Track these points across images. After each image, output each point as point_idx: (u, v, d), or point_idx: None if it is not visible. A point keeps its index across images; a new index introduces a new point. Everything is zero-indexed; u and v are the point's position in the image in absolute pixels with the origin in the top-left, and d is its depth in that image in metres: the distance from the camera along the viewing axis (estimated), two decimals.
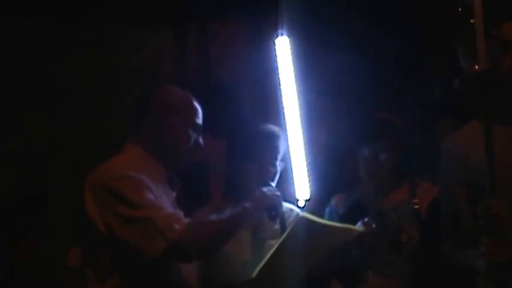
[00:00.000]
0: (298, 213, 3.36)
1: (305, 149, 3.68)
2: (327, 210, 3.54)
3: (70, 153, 4.37)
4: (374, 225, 3.10)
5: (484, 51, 2.74)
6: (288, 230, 2.96)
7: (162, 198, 2.78)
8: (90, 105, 4.46)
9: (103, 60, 4.49)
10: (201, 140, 2.94)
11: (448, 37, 3.46)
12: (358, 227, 3.11)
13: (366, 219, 3.13)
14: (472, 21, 2.75)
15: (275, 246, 2.94)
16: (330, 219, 3.40)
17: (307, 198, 3.65)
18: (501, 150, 2.84)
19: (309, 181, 3.67)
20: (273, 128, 3.36)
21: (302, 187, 3.65)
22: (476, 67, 2.78)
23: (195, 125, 2.93)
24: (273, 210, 3.02)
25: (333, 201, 3.55)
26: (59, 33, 4.46)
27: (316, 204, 3.66)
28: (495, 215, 2.77)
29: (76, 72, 4.47)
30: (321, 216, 3.37)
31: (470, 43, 2.79)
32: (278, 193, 3.05)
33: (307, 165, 3.67)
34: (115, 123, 3.63)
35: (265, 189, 3.01)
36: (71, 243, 3.17)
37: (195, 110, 2.94)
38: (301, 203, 3.61)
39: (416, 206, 3.29)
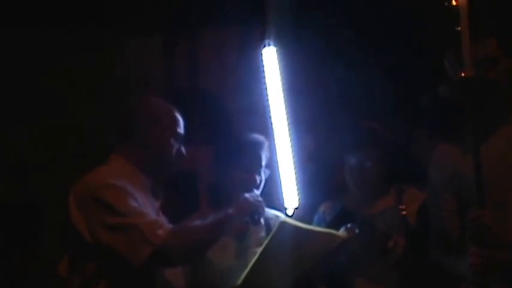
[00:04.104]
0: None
1: (293, 158, 3.68)
2: (315, 217, 3.58)
3: (62, 162, 4.37)
4: (357, 231, 3.13)
5: (470, 58, 2.76)
6: (270, 235, 3.00)
7: (146, 206, 2.82)
8: (82, 113, 4.47)
9: (93, 69, 4.50)
10: (183, 149, 3.00)
11: (435, 44, 3.48)
12: (341, 233, 3.14)
13: (348, 225, 3.16)
14: (458, 28, 2.78)
15: (258, 252, 2.98)
16: (318, 226, 3.42)
17: (296, 207, 3.66)
18: (489, 157, 2.86)
19: (298, 189, 3.68)
20: (257, 136, 3.41)
21: (291, 195, 3.66)
22: (463, 74, 2.80)
23: (178, 135, 2.99)
24: (256, 215, 3.06)
25: (321, 209, 3.59)
26: (49, 42, 4.47)
27: (305, 212, 3.66)
28: (484, 226, 2.78)
29: (65, 81, 4.48)
30: (310, 223, 3.39)
31: (457, 50, 2.81)
32: (260, 199, 3.10)
33: (295, 174, 3.68)
34: (104, 133, 3.64)
35: (247, 195, 3.06)
36: (60, 253, 3.18)
37: (178, 120, 3.01)
38: (290, 211, 3.62)
39: (404, 213, 3.32)
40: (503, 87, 2.91)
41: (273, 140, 3.62)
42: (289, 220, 3.12)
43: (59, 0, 4.40)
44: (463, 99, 2.83)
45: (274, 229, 3.02)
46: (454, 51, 2.89)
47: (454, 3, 2.76)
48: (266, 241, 2.99)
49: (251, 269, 2.96)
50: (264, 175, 3.34)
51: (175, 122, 3.00)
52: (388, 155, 3.47)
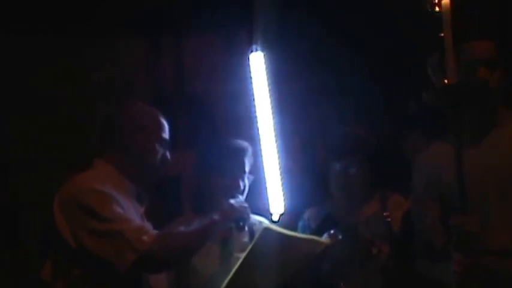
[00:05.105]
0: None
1: (279, 163, 3.68)
2: (300, 224, 3.59)
3: (43, 166, 4.36)
4: (340, 237, 3.14)
5: (453, 65, 2.76)
6: (253, 241, 2.99)
7: (131, 212, 2.81)
8: (64, 116, 4.46)
9: (77, 71, 4.49)
10: (168, 155, 2.99)
11: (418, 50, 3.48)
12: (324, 239, 3.15)
13: (331, 231, 3.17)
14: (441, 34, 2.77)
15: (241, 258, 2.98)
16: (303, 233, 3.43)
17: (282, 213, 3.65)
18: (475, 162, 2.85)
19: (284, 195, 3.67)
20: (241, 142, 3.42)
21: (276, 201, 3.64)
22: (446, 81, 2.80)
23: (163, 140, 2.98)
24: (241, 221, 3.04)
25: (306, 215, 3.60)
26: (34, 44, 4.46)
27: (291, 218, 3.65)
28: (468, 232, 2.78)
29: (50, 83, 4.47)
30: (294, 230, 3.39)
31: (440, 56, 2.81)
32: (246, 204, 3.09)
33: (281, 179, 3.67)
34: (89, 136, 3.63)
35: (233, 201, 3.05)
36: (43, 257, 3.16)
37: (162, 125, 3.00)
38: (276, 217, 3.61)
39: (388, 219, 3.32)
40: (495, 90, 2.91)
41: (259, 144, 3.62)
42: (272, 226, 3.12)
43: (47, 1, 4.40)
44: (446, 106, 2.83)
45: (257, 235, 3.02)
46: (438, 56, 2.89)
47: (437, 9, 2.77)
48: (249, 247, 2.98)
49: (234, 275, 2.97)
50: (247, 181, 3.34)
51: (160, 127, 2.98)
52: (373, 160, 3.47)
